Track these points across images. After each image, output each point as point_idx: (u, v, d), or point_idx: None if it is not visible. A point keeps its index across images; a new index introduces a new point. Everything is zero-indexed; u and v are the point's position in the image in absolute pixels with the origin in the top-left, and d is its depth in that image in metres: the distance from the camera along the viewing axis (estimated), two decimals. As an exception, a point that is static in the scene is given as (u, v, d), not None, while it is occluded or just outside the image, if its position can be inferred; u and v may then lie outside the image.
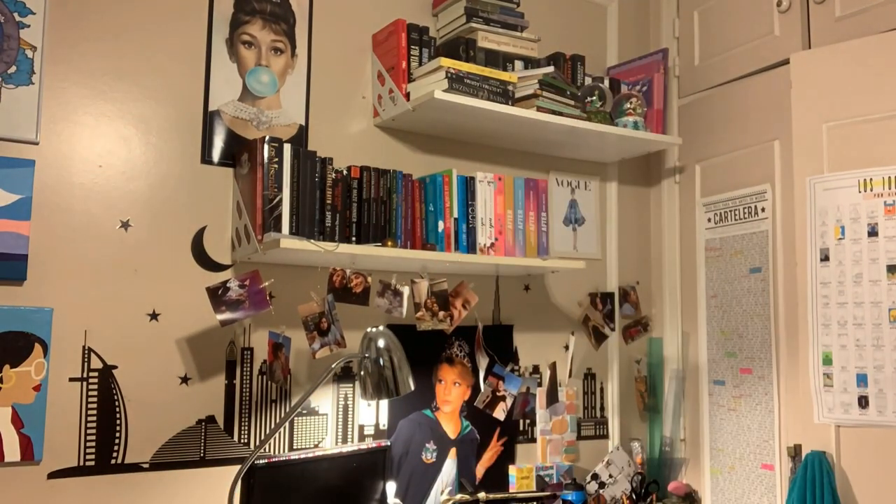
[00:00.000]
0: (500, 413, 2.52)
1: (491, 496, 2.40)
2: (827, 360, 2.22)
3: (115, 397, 1.97)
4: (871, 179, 2.18)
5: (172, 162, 2.09)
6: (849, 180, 2.22)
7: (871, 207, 2.18)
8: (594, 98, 2.58)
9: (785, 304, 2.42)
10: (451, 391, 2.46)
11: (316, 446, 2.23)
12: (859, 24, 2.27)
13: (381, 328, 2.01)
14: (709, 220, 2.73)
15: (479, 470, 2.50)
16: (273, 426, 2.15)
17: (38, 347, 1.87)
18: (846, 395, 2.18)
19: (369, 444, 2.27)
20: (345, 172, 2.16)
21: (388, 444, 2.27)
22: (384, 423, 2.34)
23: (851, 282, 2.20)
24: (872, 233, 2.18)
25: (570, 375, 2.72)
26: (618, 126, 2.58)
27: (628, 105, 2.62)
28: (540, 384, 2.64)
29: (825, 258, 2.25)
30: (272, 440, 2.14)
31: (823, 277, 2.25)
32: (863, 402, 2.15)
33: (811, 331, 2.26)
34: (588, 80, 2.67)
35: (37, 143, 1.92)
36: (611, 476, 2.61)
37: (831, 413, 2.20)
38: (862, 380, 2.16)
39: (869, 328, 2.16)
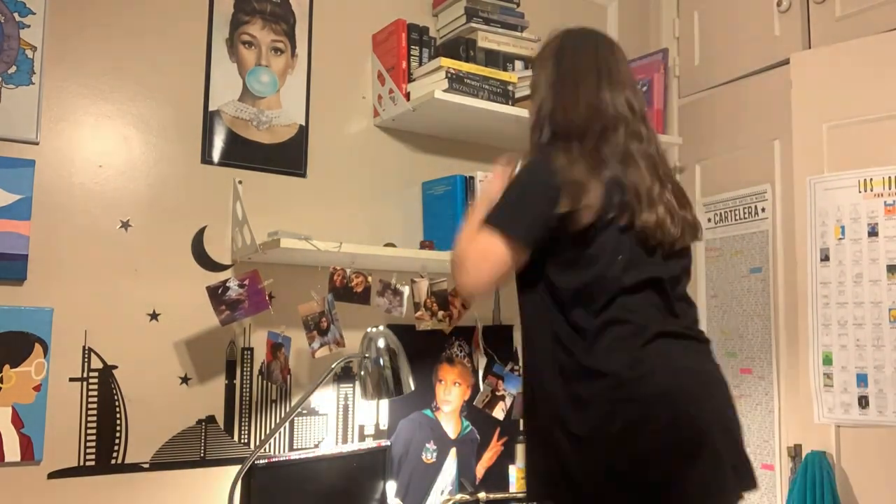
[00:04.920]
0: (499, 412, 2.52)
1: (491, 496, 2.40)
2: (827, 360, 2.22)
3: (116, 397, 1.97)
4: (871, 179, 2.18)
5: (172, 162, 2.09)
6: (849, 180, 2.22)
7: (871, 207, 2.18)
8: (594, 98, 2.58)
9: (785, 305, 2.42)
10: (451, 391, 2.46)
11: (316, 446, 2.23)
12: (859, 24, 2.27)
13: (381, 328, 2.01)
14: (709, 220, 2.73)
15: (480, 470, 2.49)
16: (273, 426, 2.15)
17: (38, 347, 1.87)
18: (846, 395, 2.18)
19: (369, 444, 2.27)
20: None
21: (389, 444, 2.27)
22: (384, 423, 2.34)
23: (851, 282, 2.20)
24: (872, 233, 2.18)
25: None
26: (618, 126, 2.57)
27: (628, 105, 2.61)
28: (540, 384, 2.64)
29: (825, 258, 2.25)
30: (272, 440, 2.14)
31: (823, 277, 2.25)
32: (863, 402, 2.15)
33: (811, 331, 2.26)
34: (588, 80, 2.66)
35: (37, 143, 1.92)
36: (611, 476, 2.60)
37: (831, 413, 2.20)
38: (862, 380, 2.16)
39: (869, 328, 2.16)
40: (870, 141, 2.19)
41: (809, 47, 2.40)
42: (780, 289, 2.44)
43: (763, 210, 2.52)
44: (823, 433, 2.22)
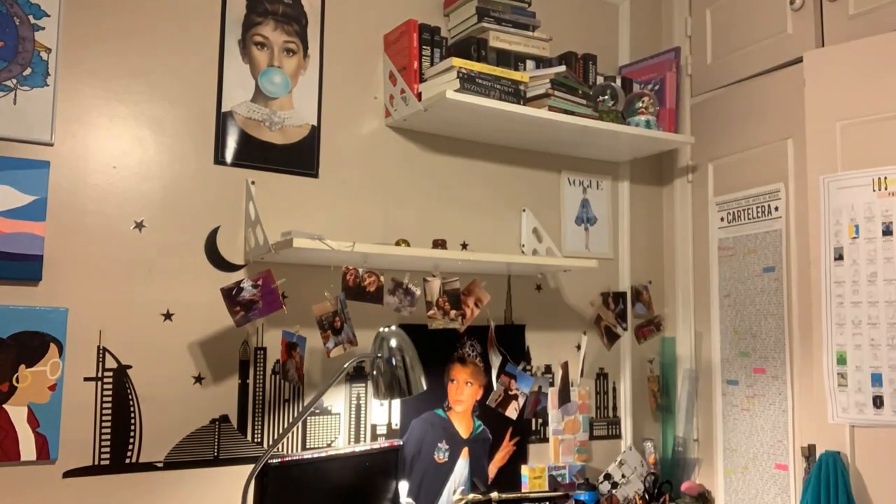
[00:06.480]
0: (511, 412, 2.52)
1: (503, 496, 2.40)
2: (841, 360, 2.21)
3: (130, 397, 1.98)
4: (885, 178, 2.17)
5: (186, 163, 2.11)
6: (863, 179, 2.20)
7: (885, 206, 2.17)
8: (606, 97, 2.57)
9: (799, 304, 2.41)
10: (463, 391, 2.46)
11: (328, 446, 2.24)
12: (873, 22, 2.26)
13: (393, 328, 2.01)
14: (722, 219, 2.72)
15: (492, 469, 2.49)
16: (286, 426, 2.16)
17: (53, 347, 1.88)
18: (861, 395, 2.17)
19: (382, 443, 2.27)
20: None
21: (401, 443, 2.27)
22: (396, 422, 2.34)
23: (866, 281, 2.18)
24: (887, 231, 2.16)
25: (581, 375, 2.71)
26: (630, 125, 2.57)
27: (640, 104, 2.61)
28: (552, 384, 2.64)
29: (839, 257, 2.24)
30: (285, 439, 2.15)
31: (837, 276, 2.23)
32: (877, 401, 2.14)
33: (825, 330, 2.24)
34: (600, 80, 2.66)
35: (51, 145, 1.93)
36: (623, 476, 2.60)
37: (846, 413, 2.19)
38: (877, 379, 2.14)
39: (884, 327, 2.14)
40: (884, 139, 2.17)
41: (823, 45, 2.39)
42: (793, 288, 2.43)
43: (776, 209, 2.51)
44: (837, 433, 2.20)
